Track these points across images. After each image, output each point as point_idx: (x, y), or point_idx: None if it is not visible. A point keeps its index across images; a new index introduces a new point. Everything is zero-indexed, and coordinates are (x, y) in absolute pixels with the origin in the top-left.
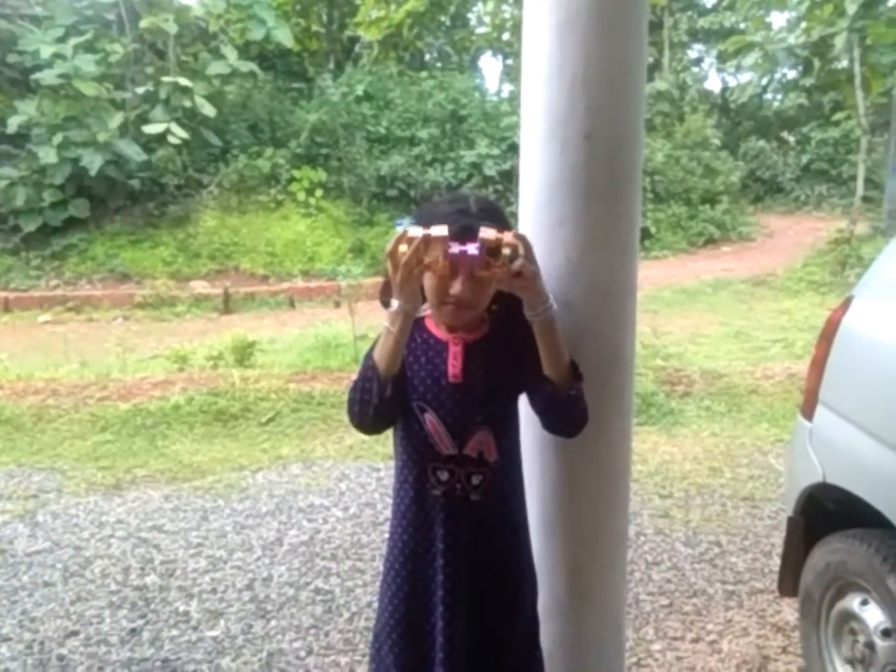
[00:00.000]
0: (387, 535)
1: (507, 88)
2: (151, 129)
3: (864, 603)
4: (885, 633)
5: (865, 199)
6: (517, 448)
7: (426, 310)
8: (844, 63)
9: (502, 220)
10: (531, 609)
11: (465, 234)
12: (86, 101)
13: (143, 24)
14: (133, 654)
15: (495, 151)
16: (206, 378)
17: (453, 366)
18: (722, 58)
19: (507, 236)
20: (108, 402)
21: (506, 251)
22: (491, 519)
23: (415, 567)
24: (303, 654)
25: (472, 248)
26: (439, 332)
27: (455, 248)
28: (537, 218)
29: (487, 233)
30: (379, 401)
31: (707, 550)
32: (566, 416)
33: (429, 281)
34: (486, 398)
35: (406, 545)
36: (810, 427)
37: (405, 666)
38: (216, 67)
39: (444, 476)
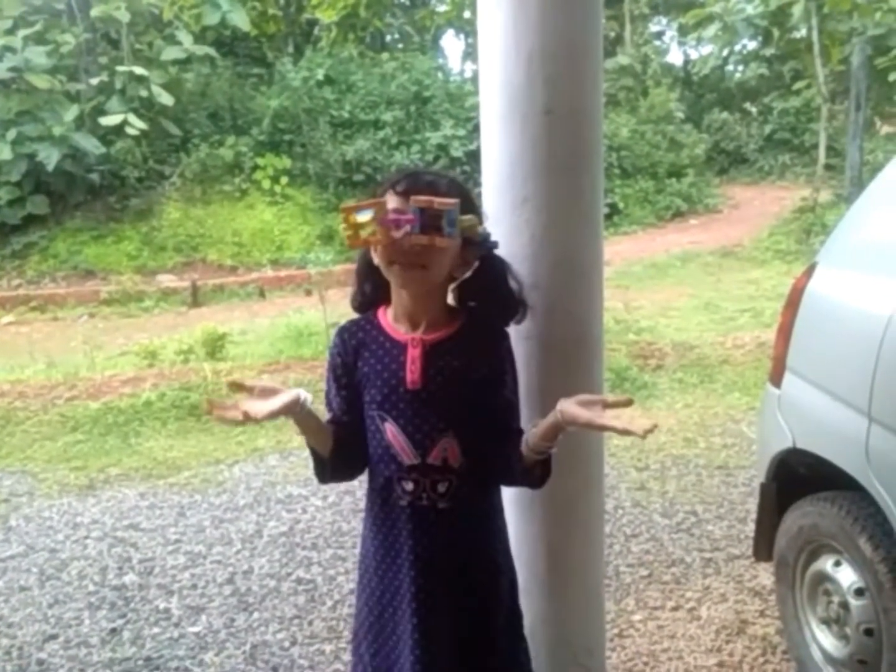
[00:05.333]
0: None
1: (471, 68)
2: (108, 120)
3: (837, 564)
4: (858, 593)
5: (828, 167)
6: (483, 446)
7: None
8: (803, 32)
9: (464, 195)
10: (511, 602)
11: (408, 187)
12: (39, 95)
13: (95, 12)
14: (114, 654)
15: (461, 132)
16: (178, 373)
17: (411, 371)
18: (683, 30)
19: (442, 199)
20: (78, 402)
21: (447, 227)
22: (460, 525)
23: (384, 574)
24: (287, 644)
25: (406, 216)
26: (396, 332)
27: (389, 217)
28: (500, 197)
29: (419, 196)
30: (327, 475)
31: (684, 520)
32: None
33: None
34: (448, 404)
35: (377, 551)
36: (779, 394)
37: (378, 668)
38: (171, 53)
39: (409, 486)
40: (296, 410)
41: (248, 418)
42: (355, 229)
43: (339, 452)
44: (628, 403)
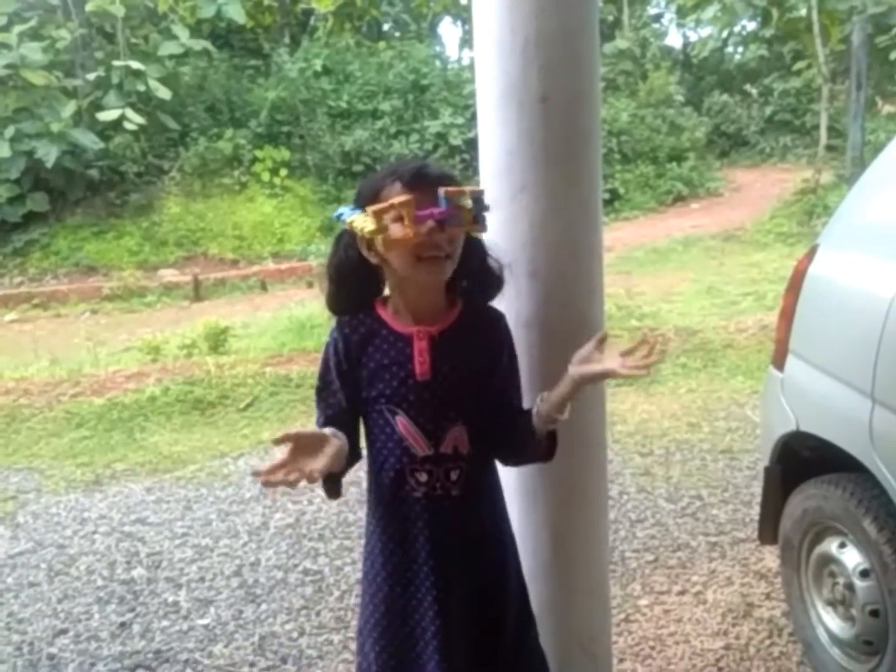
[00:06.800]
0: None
1: (468, 55)
2: (106, 115)
3: (842, 546)
4: (864, 574)
5: (829, 148)
6: (491, 430)
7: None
8: (802, 12)
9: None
10: (519, 579)
11: (421, 179)
12: (36, 91)
13: (89, 7)
14: (124, 647)
15: (460, 120)
16: (181, 367)
17: (420, 363)
18: (681, 12)
19: (471, 187)
20: (82, 398)
21: (468, 204)
22: (472, 510)
23: (394, 568)
24: (295, 635)
25: (438, 209)
26: (400, 325)
27: (423, 211)
28: (498, 186)
29: (451, 189)
30: (341, 488)
31: (689, 504)
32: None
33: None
34: (457, 393)
35: (385, 546)
36: (782, 377)
37: (386, 664)
38: (168, 48)
39: (423, 477)
40: (342, 457)
41: (312, 479)
42: (385, 231)
43: (349, 458)
44: (603, 339)
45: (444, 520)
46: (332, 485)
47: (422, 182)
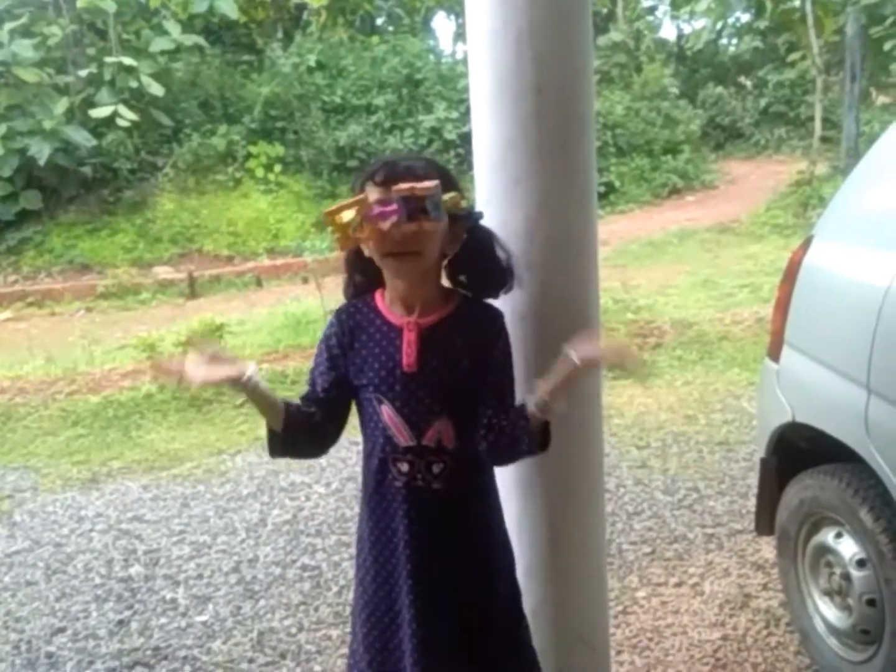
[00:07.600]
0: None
1: (463, 49)
2: (98, 112)
3: (839, 536)
4: (860, 564)
5: (824, 140)
6: (481, 427)
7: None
8: (796, 2)
9: (442, 172)
10: (510, 579)
11: (386, 176)
12: (27, 88)
13: (80, 3)
14: (122, 645)
15: (454, 114)
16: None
17: (407, 354)
18: (675, 4)
19: (423, 184)
20: (78, 396)
21: (428, 203)
22: (455, 505)
23: (379, 554)
24: (293, 630)
25: (389, 207)
26: (393, 315)
27: (374, 210)
28: (493, 178)
29: (400, 185)
30: (276, 449)
31: (686, 496)
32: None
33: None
34: (443, 387)
35: (372, 532)
36: (777, 368)
37: (371, 646)
38: (160, 44)
39: (404, 468)
40: (238, 386)
41: (182, 381)
42: (343, 230)
43: (299, 429)
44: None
45: (425, 512)
46: (270, 439)
47: (387, 179)
